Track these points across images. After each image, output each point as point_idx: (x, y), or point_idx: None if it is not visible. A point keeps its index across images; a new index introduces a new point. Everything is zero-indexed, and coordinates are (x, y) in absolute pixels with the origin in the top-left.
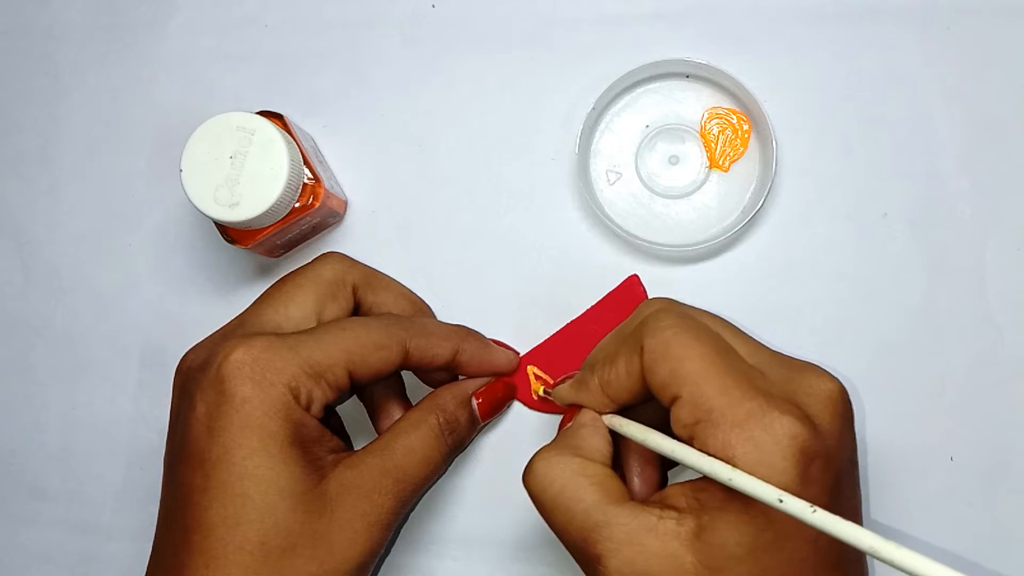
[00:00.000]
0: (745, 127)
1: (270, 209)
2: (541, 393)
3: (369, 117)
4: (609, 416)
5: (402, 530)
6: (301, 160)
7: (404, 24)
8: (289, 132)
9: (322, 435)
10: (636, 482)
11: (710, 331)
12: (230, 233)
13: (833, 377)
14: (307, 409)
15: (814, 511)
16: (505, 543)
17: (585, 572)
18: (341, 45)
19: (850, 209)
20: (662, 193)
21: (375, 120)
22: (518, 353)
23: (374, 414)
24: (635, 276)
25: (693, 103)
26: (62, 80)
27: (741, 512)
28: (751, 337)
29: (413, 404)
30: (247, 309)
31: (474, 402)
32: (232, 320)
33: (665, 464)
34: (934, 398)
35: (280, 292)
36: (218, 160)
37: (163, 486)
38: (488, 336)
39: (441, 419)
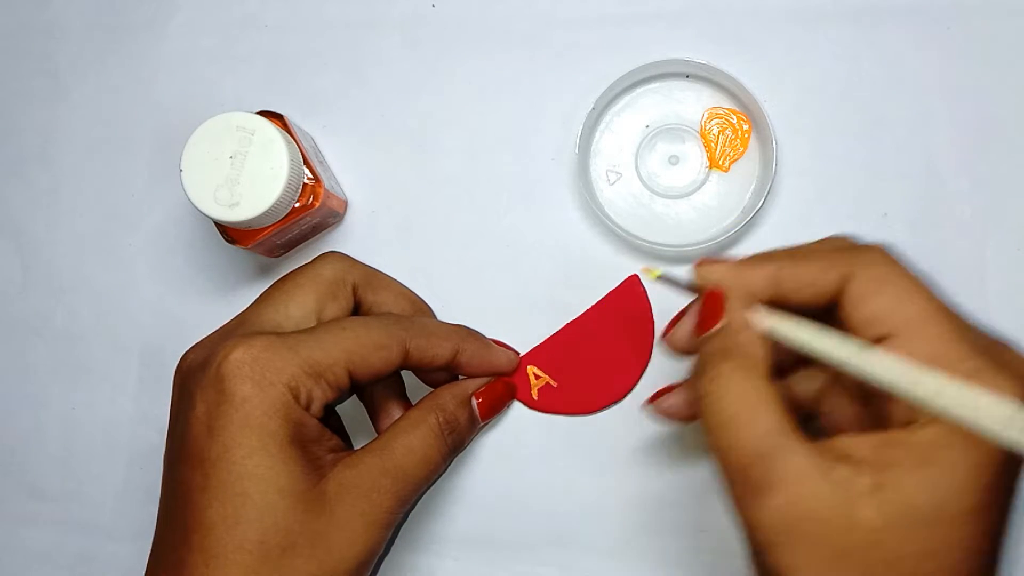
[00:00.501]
0: (745, 127)
1: (270, 209)
2: (657, 275)
3: (369, 117)
4: (788, 323)
5: (402, 529)
6: (301, 160)
7: (404, 24)
8: (289, 132)
9: (321, 434)
10: None
11: (924, 282)
12: (230, 233)
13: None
14: (307, 409)
15: None
16: (505, 543)
17: (737, 500)
18: (341, 45)
19: (850, 209)
20: (662, 193)
21: (375, 120)
22: (518, 353)
23: (374, 414)
24: (635, 276)
25: (693, 103)
26: (62, 80)
27: (943, 473)
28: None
29: (413, 404)
30: (247, 308)
31: (474, 402)
32: (232, 319)
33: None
34: None
35: (280, 291)
36: (218, 160)
37: (163, 485)
38: (488, 336)
39: (441, 419)
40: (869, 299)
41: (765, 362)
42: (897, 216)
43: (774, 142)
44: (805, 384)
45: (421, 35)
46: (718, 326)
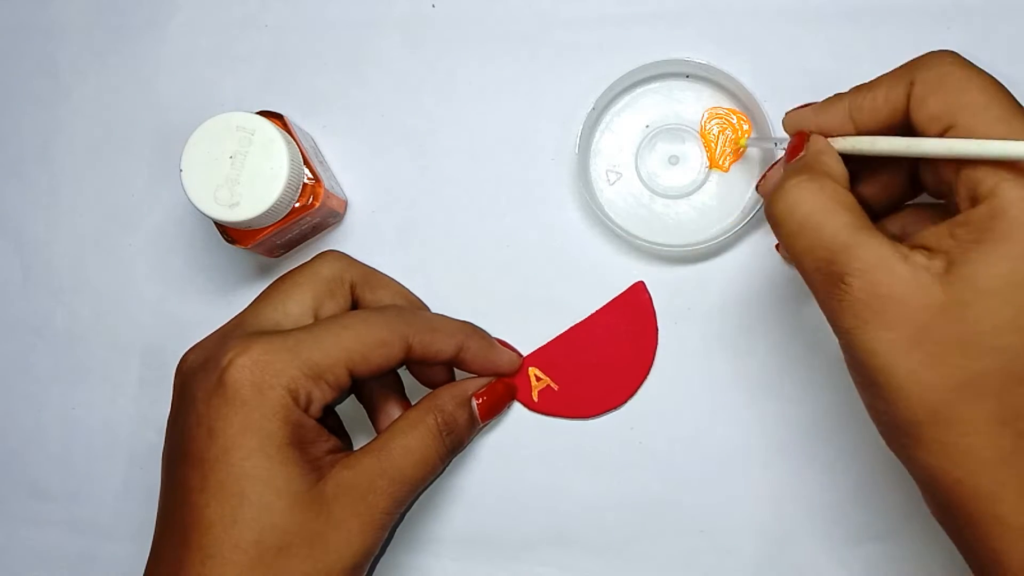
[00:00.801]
0: (745, 127)
1: (270, 209)
2: (744, 143)
3: (369, 117)
4: (846, 138)
5: (401, 529)
6: (301, 160)
7: (404, 24)
8: (289, 132)
9: (320, 435)
10: None
11: (987, 73)
12: (230, 233)
13: None
14: (306, 410)
15: None
16: (504, 543)
17: (822, 296)
18: (341, 45)
19: None
20: (662, 193)
21: (375, 120)
22: (521, 354)
23: (373, 413)
24: (640, 283)
25: (693, 103)
26: (62, 80)
27: (999, 243)
28: None
29: (412, 403)
30: (246, 308)
31: (474, 402)
32: (231, 319)
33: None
34: None
35: (278, 290)
36: (218, 160)
37: (162, 484)
38: (489, 334)
39: (439, 419)
40: (929, 98)
41: (840, 174)
42: None
43: (774, 141)
44: (887, 230)
45: (421, 35)
46: (800, 154)
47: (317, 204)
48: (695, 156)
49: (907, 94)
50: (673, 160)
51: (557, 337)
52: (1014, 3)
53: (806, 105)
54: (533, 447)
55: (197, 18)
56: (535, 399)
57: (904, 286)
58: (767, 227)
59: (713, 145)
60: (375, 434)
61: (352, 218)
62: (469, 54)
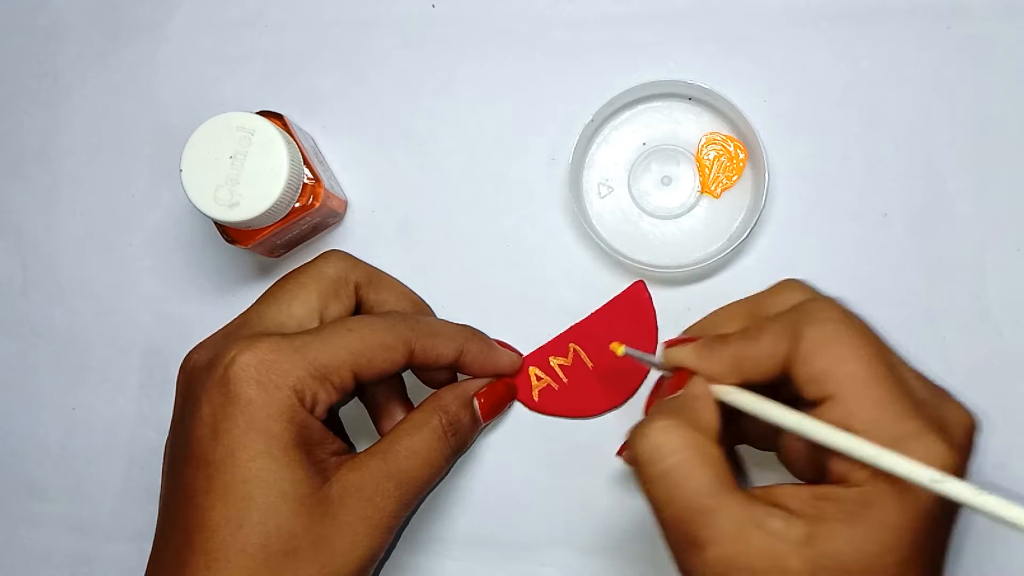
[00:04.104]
0: (741, 156)
1: (270, 209)
2: (621, 353)
3: (369, 117)
4: (733, 391)
5: (404, 531)
6: (301, 160)
7: (404, 24)
8: (289, 132)
9: (325, 437)
10: None
11: (873, 335)
12: (230, 233)
13: (968, 409)
14: (311, 411)
15: (980, 493)
16: (505, 543)
17: (675, 552)
18: (341, 45)
19: (850, 209)
20: (651, 212)
21: (375, 120)
22: (521, 354)
23: (376, 415)
24: (641, 282)
25: (692, 126)
26: (62, 80)
27: (870, 530)
28: (896, 352)
29: (414, 404)
30: (250, 307)
31: (475, 403)
32: (235, 319)
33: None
34: None
35: (283, 290)
36: (218, 160)
37: (164, 485)
38: (489, 336)
39: (444, 420)
40: (812, 360)
41: (712, 424)
42: (897, 216)
43: (767, 174)
44: (758, 426)
45: (421, 35)
46: (676, 394)
47: (317, 204)
48: (688, 179)
49: (791, 349)
50: (666, 181)
51: (557, 336)
52: (1014, 3)
53: (686, 340)
54: (534, 447)
55: (197, 18)
56: (535, 399)
57: (759, 559)
58: (753, 254)
59: (707, 170)
60: (377, 437)
61: (352, 218)
62: (469, 54)
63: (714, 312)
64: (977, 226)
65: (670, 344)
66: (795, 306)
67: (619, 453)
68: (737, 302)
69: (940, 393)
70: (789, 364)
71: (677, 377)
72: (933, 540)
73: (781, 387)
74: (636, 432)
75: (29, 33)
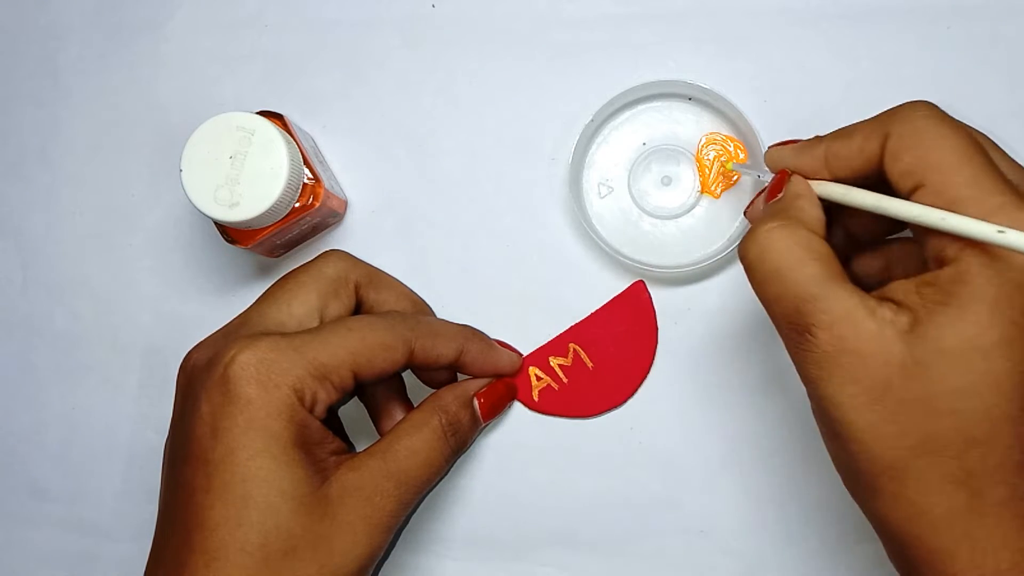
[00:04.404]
0: (741, 156)
1: (270, 209)
2: (730, 167)
3: (369, 117)
4: (821, 183)
5: (404, 530)
6: (301, 160)
7: (404, 24)
8: (289, 132)
9: (324, 437)
10: None
11: (965, 128)
12: (230, 233)
13: None
14: (311, 411)
15: None
16: (505, 543)
17: (789, 344)
18: (341, 45)
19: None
20: (651, 212)
21: (375, 120)
22: (521, 354)
23: (376, 415)
24: (641, 282)
25: (692, 126)
26: (62, 80)
27: (962, 308)
28: (991, 141)
29: (414, 404)
30: (250, 307)
31: (475, 403)
32: (235, 318)
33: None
34: None
35: (283, 290)
36: (218, 160)
37: (163, 484)
38: (489, 336)
39: (444, 420)
40: (902, 153)
41: (815, 220)
42: None
43: (758, 174)
44: (871, 263)
45: (421, 35)
46: (779, 196)
47: (317, 204)
48: (688, 179)
49: (882, 146)
50: (666, 181)
51: (557, 336)
52: (1014, 3)
53: (790, 142)
54: (534, 447)
55: (197, 18)
56: (535, 399)
57: (868, 342)
58: None
59: (707, 170)
60: (377, 436)
61: (352, 218)
62: (469, 54)
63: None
64: None
65: (773, 146)
66: (889, 110)
67: (745, 212)
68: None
69: None
70: (882, 162)
71: (778, 180)
72: None
73: (884, 187)
74: (745, 240)
75: (29, 33)
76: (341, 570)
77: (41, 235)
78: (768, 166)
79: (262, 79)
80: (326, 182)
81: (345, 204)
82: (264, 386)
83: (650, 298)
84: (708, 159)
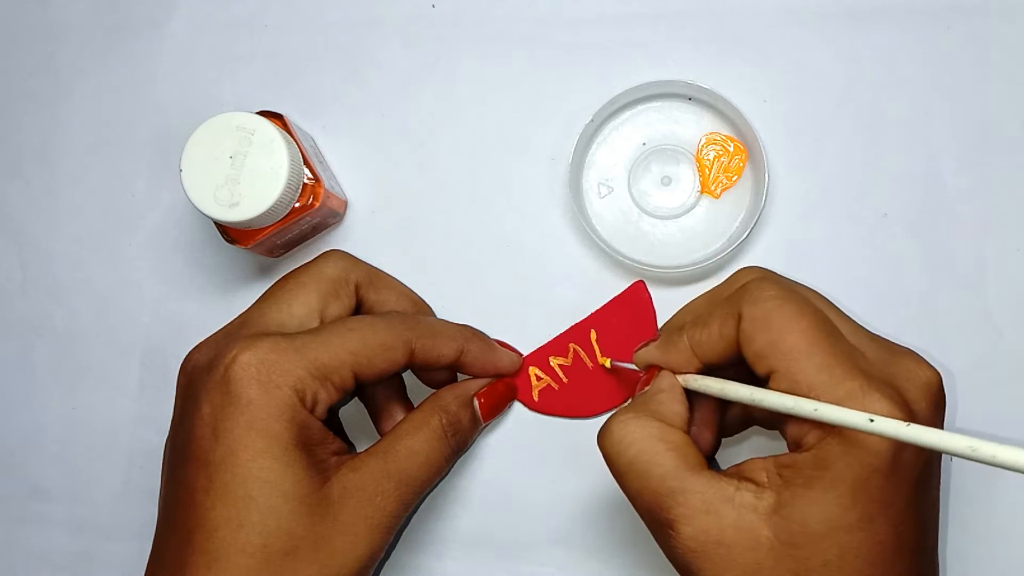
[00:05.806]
0: (741, 156)
1: (270, 209)
2: (608, 365)
3: (369, 117)
4: (698, 378)
5: (404, 531)
6: (301, 160)
7: (404, 24)
8: (289, 132)
9: (325, 437)
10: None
11: (812, 306)
12: (230, 233)
13: (931, 366)
14: (312, 411)
15: (908, 425)
16: (505, 543)
17: (656, 536)
18: (341, 45)
19: (850, 209)
20: (651, 212)
21: (375, 120)
22: (521, 354)
23: (376, 415)
24: (641, 282)
25: (692, 126)
26: (62, 80)
27: (827, 490)
28: (850, 317)
29: (414, 404)
30: (250, 307)
31: (475, 403)
32: (236, 318)
33: (721, 431)
34: None
35: (283, 290)
36: (218, 160)
37: (164, 484)
38: (489, 336)
39: (444, 420)
40: (755, 338)
41: (673, 414)
42: (897, 216)
43: (767, 175)
44: (732, 408)
45: (421, 35)
46: (643, 391)
47: (317, 204)
48: (688, 179)
49: (737, 328)
50: (666, 181)
51: (557, 336)
52: (1014, 3)
53: (652, 339)
54: (534, 447)
55: (197, 18)
56: (535, 399)
57: (732, 532)
58: (753, 255)
59: (707, 170)
60: (377, 437)
61: (352, 218)
62: (469, 54)
63: (681, 308)
64: (977, 226)
65: (637, 348)
66: (739, 288)
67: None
68: (701, 295)
69: (898, 352)
70: (738, 344)
71: (648, 376)
72: (899, 494)
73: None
74: (601, 430)
75: (29, 33)
76: (342, 570)
77: (41, 235)
78: (637, 366)
79: (262, 79)
80: (326, 182)
81: (345, 204)
82: (265, 387)
83: (650, 298)
84: (708, 159)
